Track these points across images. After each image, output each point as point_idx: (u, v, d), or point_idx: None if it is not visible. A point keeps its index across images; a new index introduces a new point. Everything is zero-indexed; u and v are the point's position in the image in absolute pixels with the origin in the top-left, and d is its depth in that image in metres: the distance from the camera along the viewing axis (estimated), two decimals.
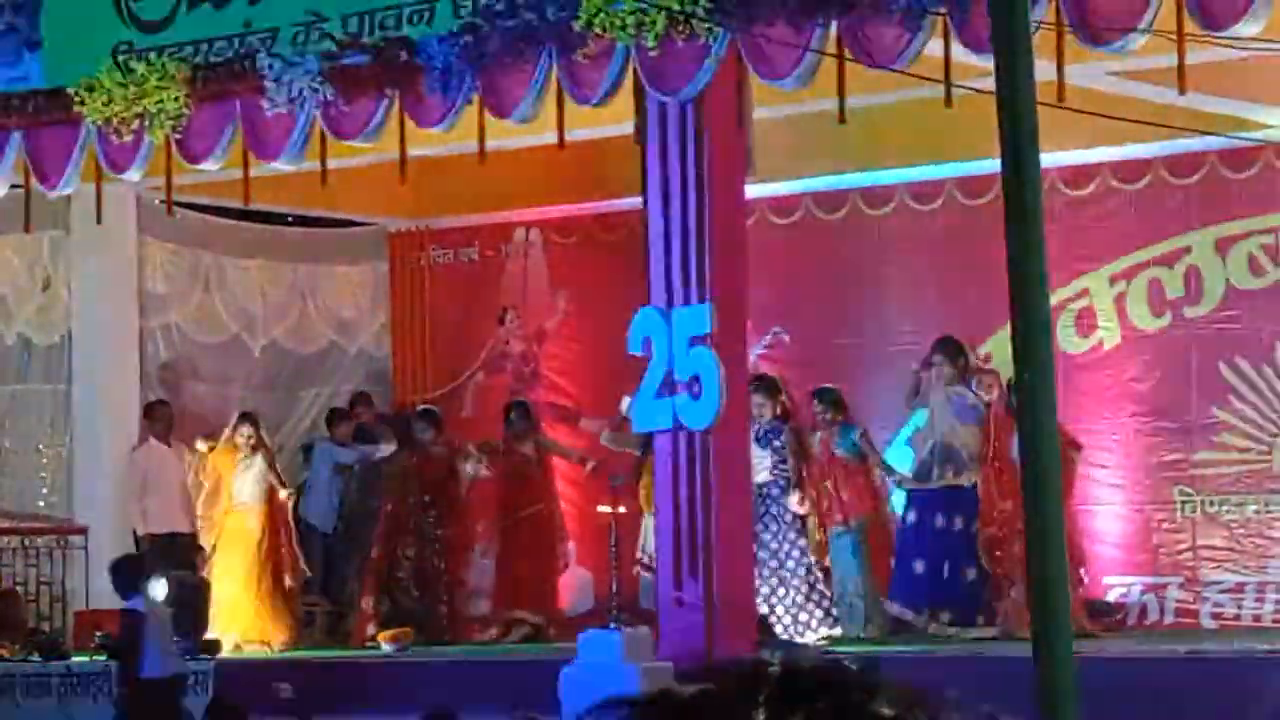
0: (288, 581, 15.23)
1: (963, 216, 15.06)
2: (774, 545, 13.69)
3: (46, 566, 15.74)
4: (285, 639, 14.93)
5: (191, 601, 14.53)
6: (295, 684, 12.85)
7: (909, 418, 14.71)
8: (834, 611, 13.82)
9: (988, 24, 10.13)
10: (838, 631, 13.78)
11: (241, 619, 14.88)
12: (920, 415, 14.29)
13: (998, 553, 13.14)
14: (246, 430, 15.05)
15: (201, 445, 15.40)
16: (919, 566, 13.30)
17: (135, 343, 16.22)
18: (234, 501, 15.04)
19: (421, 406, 16.29)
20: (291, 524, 15.37)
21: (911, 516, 13.55)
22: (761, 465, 13.55)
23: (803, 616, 13.73)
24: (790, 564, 13.75)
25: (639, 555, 14.47)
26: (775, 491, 13.78)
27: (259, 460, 15.02)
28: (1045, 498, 4.28)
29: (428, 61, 12.63)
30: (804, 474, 13.95)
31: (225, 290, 16.91)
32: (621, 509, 13.32)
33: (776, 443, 13.88)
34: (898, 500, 14.30)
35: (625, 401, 14.11)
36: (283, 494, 15.07)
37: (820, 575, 13.85)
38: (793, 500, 13.87)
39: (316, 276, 17.39)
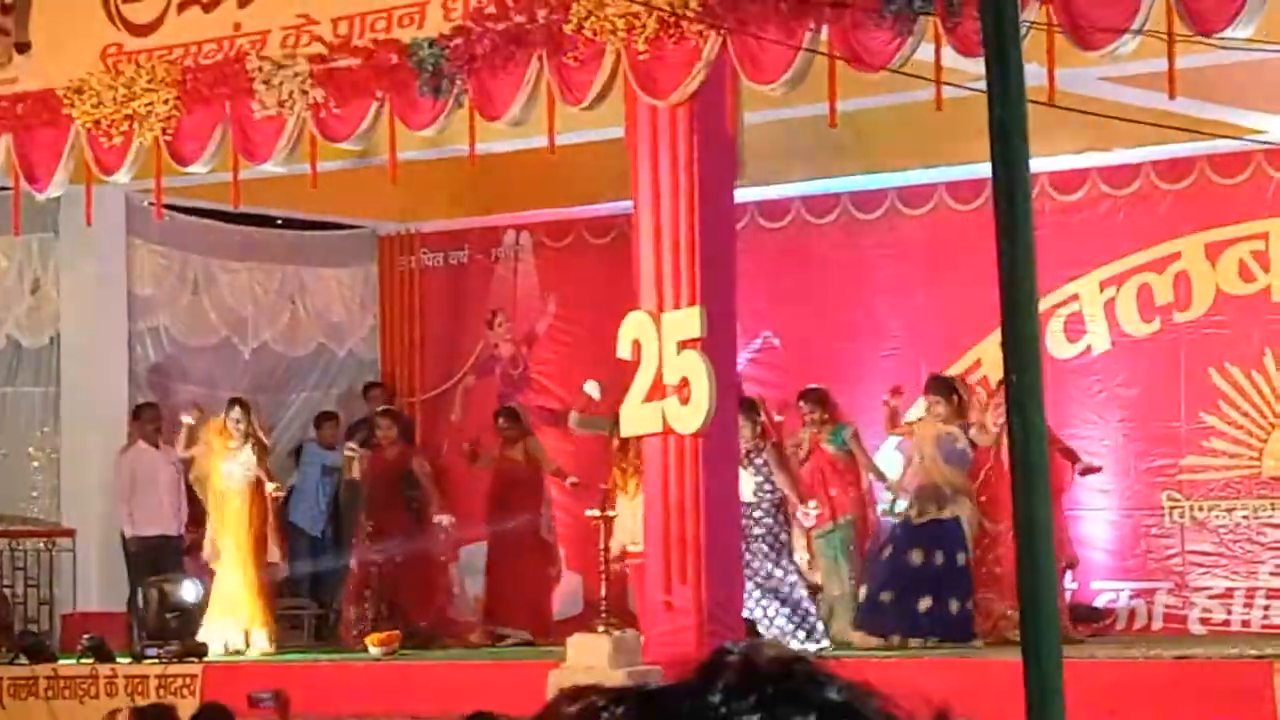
0: (268, 566, 15.15)
1: (953, 221, 15.06)
2: (757, 565, 13.57)
3: (34, 569, 15.71)
4: (270, 631, 14.87)
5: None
6: (282, 688, 12.82)
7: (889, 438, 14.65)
8: (819, 628, 13.73)
9: (978, 27, 10.15)
10: (825, 644, 13.73)
11: (234, 606, 14.84)
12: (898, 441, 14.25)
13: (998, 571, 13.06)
14: (237, 414, 14.99)
15: (188, 418, 15.31)
16: (886, 597, 13.25)
17: (124, 345, 16.20)
18: (221, 487, 14.98)
19: (381, 407, 16.15)
20: (272, 515, 15.24)
21: (887, 551, 13.46)
22: (744, 487, 13.43)
23: (786, 635, 13.65)
24: (774, 584, 13.64)
25: (611, 552, 14.33)
26: (759, 514, 13.66)
27: (248, 448, 14.95)
28: (1034, 502, 4.27)
29: (418, 64, 12.62)
30: (796, 489, 13.85)
31: (214, 293, 16.89)
32: (612, 513, 13.29)
33: (759, 461, 13.79)
34: (891, 503, 14.27)
35: (590, 385, 14.14)
36: (269, 487, 14.99)
37: (805, 594, 13.75)
38: (803, 515, 13.80)
39: (306, 279, 17.37)
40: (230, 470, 14.95)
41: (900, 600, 13.15)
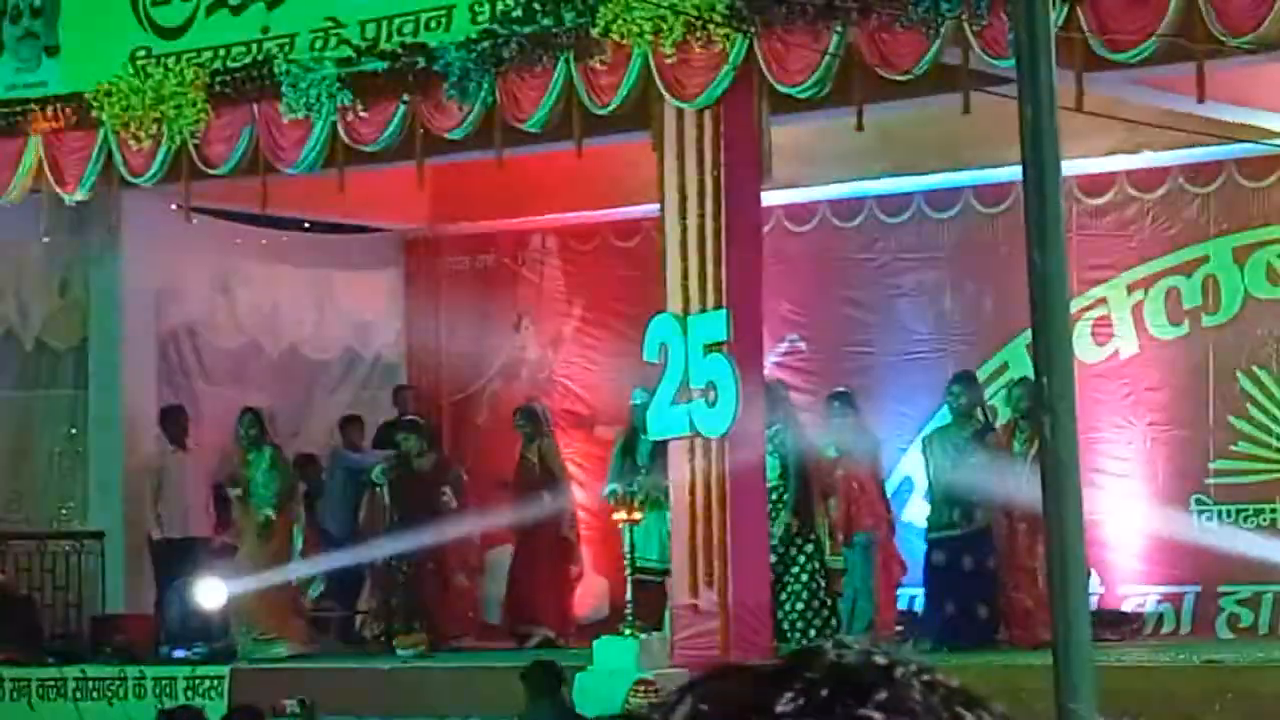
0: (294, 579, 15.16)
1: (980, 224, 15.03)
2: (779, 550, 13.51)
3: (62, 571, 15.74)
4: (296, 638, 14.87)
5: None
6: (311, 691, 12.84)
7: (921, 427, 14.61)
8: (836, 616, 13.69)
9: (1006, 30, 10.14)
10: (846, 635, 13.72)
11: (256, 614, 14.83)
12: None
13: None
14: (248, 423, 15.06)
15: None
16: (919, 606, 13.26)
17: (152, 347, 16.23)
18: (247, 496, 15.03)
19: (406, 417, 16.18)
20: (302, 519, 15.26)
21: (926, 559, 13.47)
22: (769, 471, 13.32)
23: (800, 623, 13.61)
24: (794, 569, 13.61)
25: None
26: (776, 498, 13.57)
27: (266, 454, 14.99)
28: (1065, 504, 4.27)
29: (445, 68, 12.64)
30: (799, 484, 13.66)
31: (241, 295, 16.90)
32: (637, 515, 13.28)
33: (769, 446, 13.67)
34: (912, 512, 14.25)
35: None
36: (233, 491, 14.94)
37: (822, 582, 13.69)
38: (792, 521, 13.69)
39: (333, 282, 17.37)
40: (251, 479, 14.97)
41: (927, 607, 13.13)
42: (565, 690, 11.66)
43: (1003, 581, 13.10)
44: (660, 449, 13.09)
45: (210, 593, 14.82)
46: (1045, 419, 4.24)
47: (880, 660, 1.55)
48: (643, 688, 11.43)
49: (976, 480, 13.14)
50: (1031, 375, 13.47)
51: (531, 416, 15.53)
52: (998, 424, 13.70)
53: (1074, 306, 14.32)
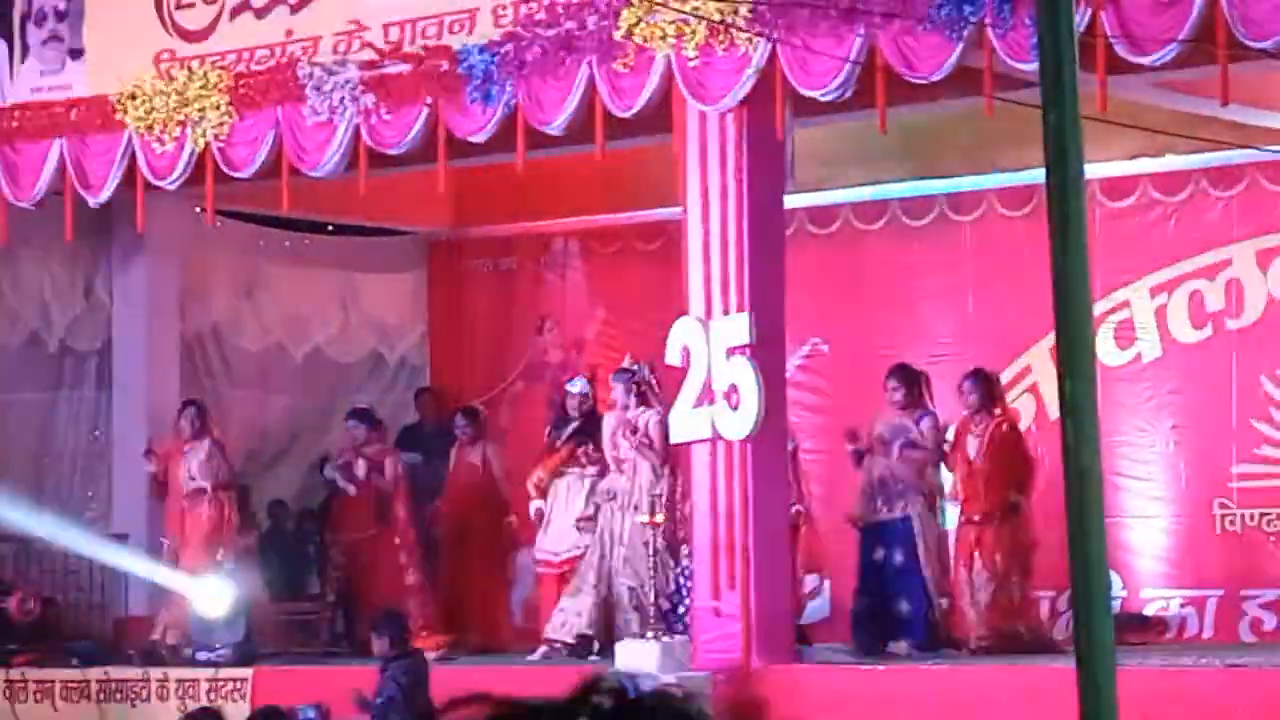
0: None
1: (1002, 227, 15.03)
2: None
3: (85, 573, 15.78)
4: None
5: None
6: (334, 694, 12.87)
7: None
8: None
9: (1030, 33, 10.15)
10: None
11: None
12: None
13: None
14: (189, 415, 14.98)
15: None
16: (859, 606, 13.16)
17: (176, 350, 16.27)
18: (182, 489, 14.88)
19: (357, 408, 16.05)
20: (233, 517, 15.10)
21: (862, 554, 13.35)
22: None
23: None
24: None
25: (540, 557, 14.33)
26: None
27: (204, 445, 14.85)
28: (1088, 510, 4.27)
29: (468, 70, 12.67)
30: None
31: (265, 298, 16.94)
32: (659, 518, 13.27)
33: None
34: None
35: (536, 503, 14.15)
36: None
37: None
38: None
39: (357, 285, 17.41)
40: (185, 472, 14.83)
41: (873, 604, 13.04)
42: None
43: (936, 580, 12.95)
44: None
45: (232, 594, 14.83)
46: (1068, 424, 4.24)
47: (675, 693, 1.57)
48: None
49: (903, 472, 13.02)
50: (986, 369, 13.62)
51: (474, 416, 15.37)
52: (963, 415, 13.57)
53: (1097, 310, 14.32)
